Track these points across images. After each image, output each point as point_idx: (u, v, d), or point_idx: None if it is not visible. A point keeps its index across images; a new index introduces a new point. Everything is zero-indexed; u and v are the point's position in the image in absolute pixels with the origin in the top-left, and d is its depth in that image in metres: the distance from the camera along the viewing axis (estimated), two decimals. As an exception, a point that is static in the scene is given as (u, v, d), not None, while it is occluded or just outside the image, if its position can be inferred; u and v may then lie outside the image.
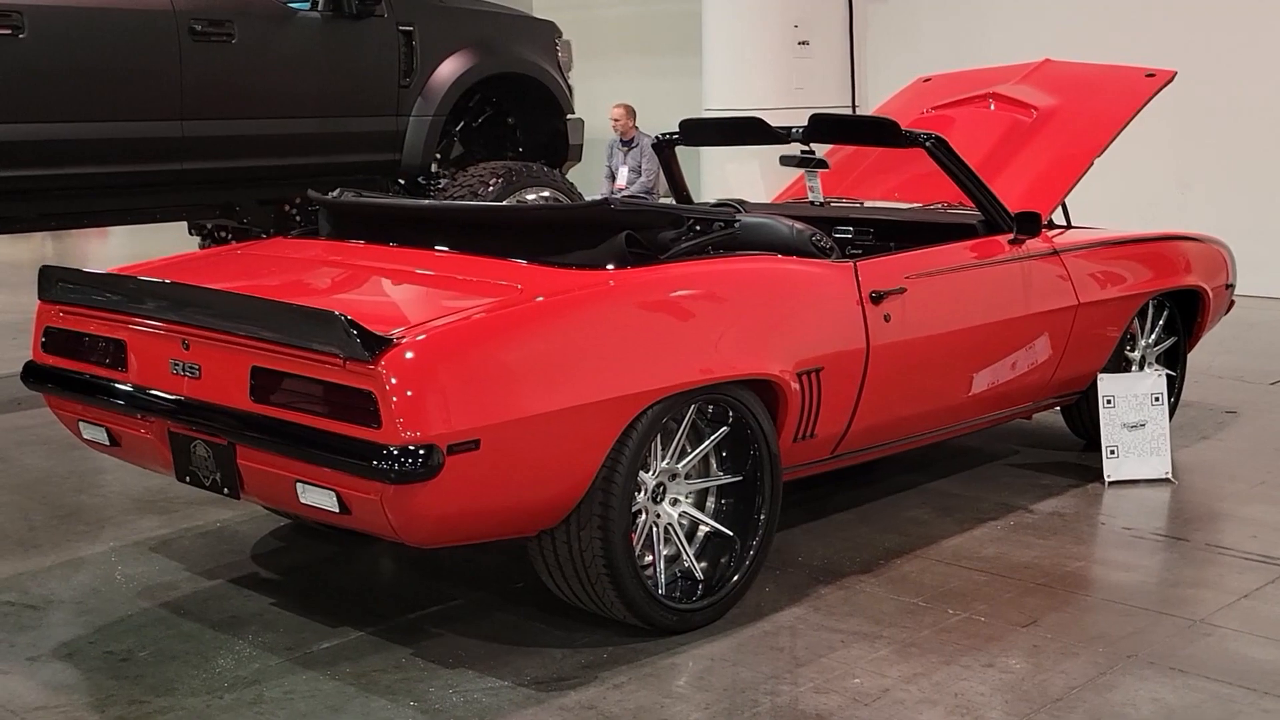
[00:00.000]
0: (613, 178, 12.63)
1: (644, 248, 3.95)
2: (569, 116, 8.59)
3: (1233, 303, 6.39)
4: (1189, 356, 6.21)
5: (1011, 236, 5.10)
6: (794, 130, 5.37)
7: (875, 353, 4.39)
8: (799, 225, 4.49)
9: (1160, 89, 6.15)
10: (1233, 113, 10.21)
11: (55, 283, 4.16)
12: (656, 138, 5.90)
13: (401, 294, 3.95)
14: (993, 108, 6.29)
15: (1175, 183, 10.42)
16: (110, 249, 14.33)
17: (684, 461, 3.94)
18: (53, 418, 4.39)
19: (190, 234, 8.51)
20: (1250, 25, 10.15)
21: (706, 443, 3.97)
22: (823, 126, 5.29)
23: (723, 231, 4.17)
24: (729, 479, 4.06)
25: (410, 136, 7.81)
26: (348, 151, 7.71)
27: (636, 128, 12.43)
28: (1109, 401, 5.40)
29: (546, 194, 8.03)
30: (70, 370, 4.13)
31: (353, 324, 3.26)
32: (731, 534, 4.05)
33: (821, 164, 5.51)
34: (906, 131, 5.04)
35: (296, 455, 3.46)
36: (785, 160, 5.61)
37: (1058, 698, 3.50)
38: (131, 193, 7.05)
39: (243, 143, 7.21)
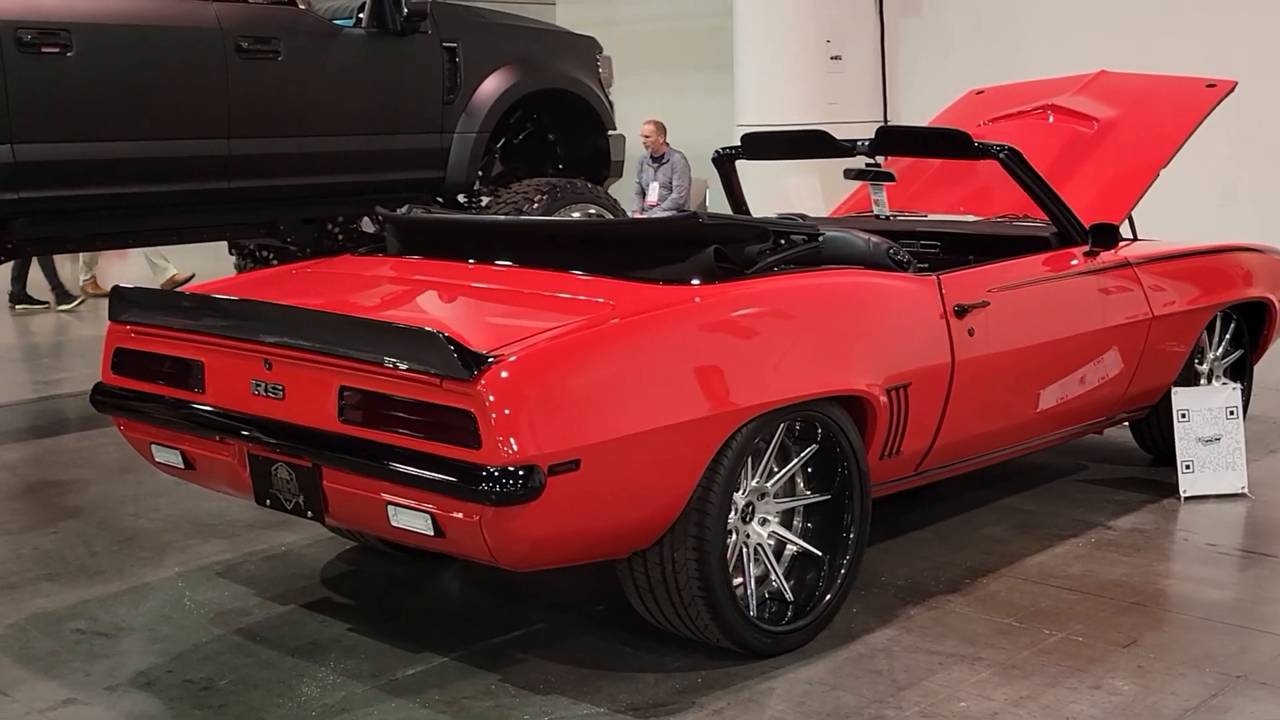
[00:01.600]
0: (643, 194, 12.56)
1: (730, 262, 3.87)
2: (611, 132, 8.52)
3: None
4: (1254, 369, 6.11)
5: (1086, 249, 5.02)
6: (860, 143, 5.29)
7: (960, 367, 4.30)
8: (874, 239, 4.40)
9: (1222, 99, 6.08)
10: (1273, 121, 10.14)
11: (128, 303, 4.08)
12: (717, 151, 5.82)
13: (490, 312, 3.86)
14: (1051, 120, 6.21)
15: (1217, 192, 10.33)
16: (130, 271, 14.27)
17: (773, 480, 3.85)
18: (105, 439, 4.31)
19: (230, 253, 8.44)
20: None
21: (795, 460, 3.88)
22: (891, 138, 5.22)
23: (807, 245, 4.09)
24: (817, 498, 3.96)
25: (454, 154, 7.73)
26: (392, 169, 7.63)
27: (667, 144, 12.37)
28: (1184, 416, 5.31)
29: (591, 210, 7.96)
30: (143, 392, 4.05)
31: (452, 342, 3.18)
32: (819, 553, 3.95)
33: (888, 176, 5.43)
34: (979, 143, 4.96)
35: (389, 477, 3.37)
36: (850, 173, 5.54)
37: (1172, 719, 3.40)
38: (177, 212, 6.97)
39: (288, 161, 7.13)
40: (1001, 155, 4.90)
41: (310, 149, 7.31)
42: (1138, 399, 5.36)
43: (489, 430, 3.17)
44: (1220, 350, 5.82)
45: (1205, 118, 5.98)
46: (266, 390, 3.65)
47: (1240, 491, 5.26)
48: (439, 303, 3.95)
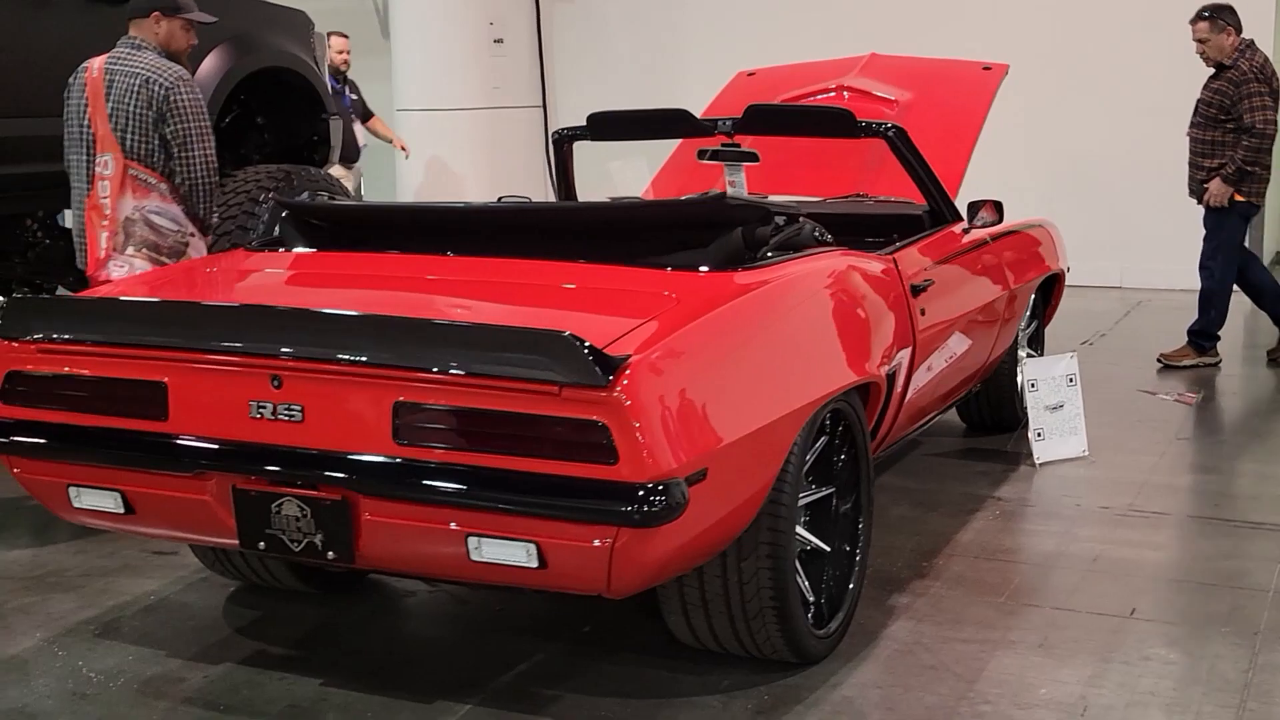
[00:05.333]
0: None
1: (746, 245, 3.60)
2: (330, 115, 7.87)
3: None
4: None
5: (964, 225, 5.07)
6: (722, 122, 5.10)
7: (918, 346, 4.23)
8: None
9: (1001, 81, 6.32)
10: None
11: (32, 315, 3.32)
12: (557, 132, 5.46)
13: (537, 312, 3.35)
14: (848, 99, 6.25)
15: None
16: None
17: (799, 476, 3.62)
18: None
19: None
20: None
21: (810, 454, 3.66)
22: (762, 117, 5.05)
23: (796, 227, 3.88)
24: (824, 490, 3.77)
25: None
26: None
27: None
28: (1033, 385, 5.48)
29: (325, 197, 7.34)
30: (58, 424, 3.30)
31: (585, 343, 2.75)
32: (829, 548, 3.76)
33: (750, 156, 5.25)
34: (864, 122, 4.89)
35: (479, 505, 2.89)
36: (705, 154, 5.33)
37: (1243, 683, 3.45)
38: None
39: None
40: (890, 134, 4.85)
41: (8, 132, 6.30)
42: (988, 369, 5.49)
43: (629, 443, 2.77)
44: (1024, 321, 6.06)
45: (993, 99, 6.20)
46: (275, 413, 3.04)
47: (1083, 455, 5.49)
48: (460, 301, 3.43)
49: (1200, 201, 7.26)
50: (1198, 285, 7.41)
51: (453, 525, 2.94)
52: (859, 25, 10.51)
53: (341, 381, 2.99)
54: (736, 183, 5.35)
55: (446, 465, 2.91)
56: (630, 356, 2.81)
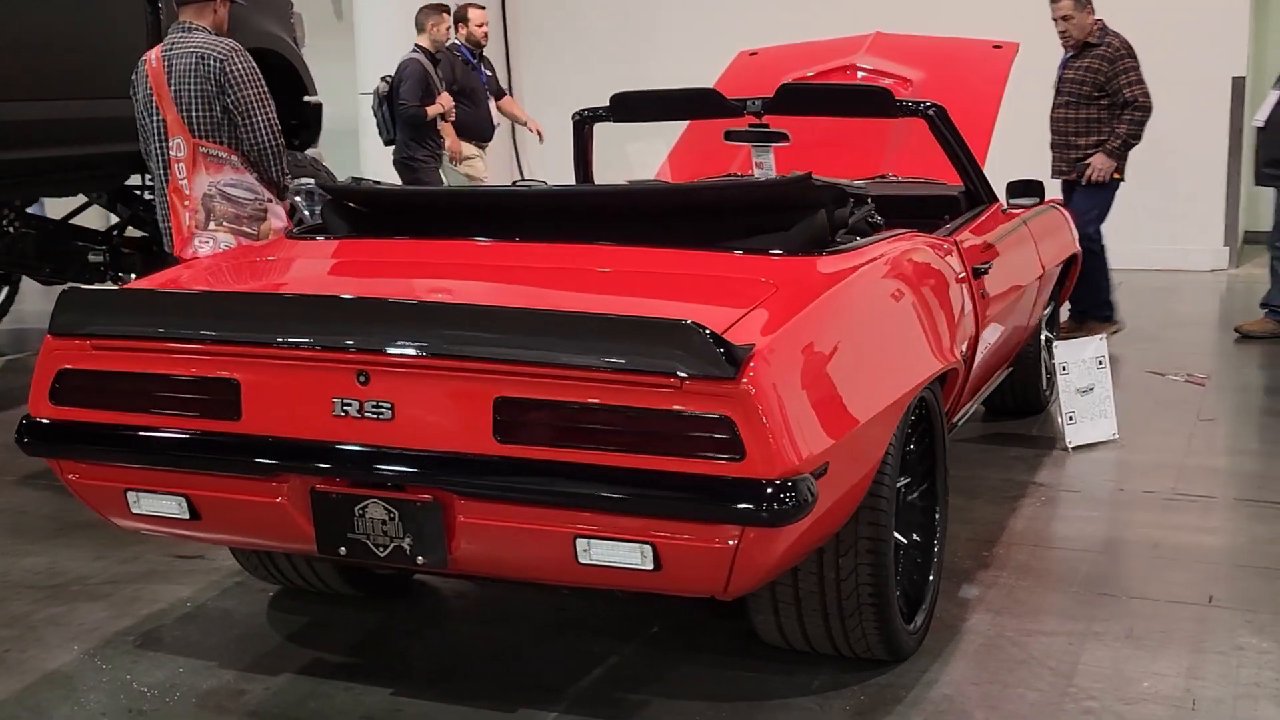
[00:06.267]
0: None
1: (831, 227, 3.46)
2: (312, 97, 7.64)
3: None
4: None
5: (1002, 206, 4.97)
6: (751, 102, 4.96)
7: (980, 330, 4.12)
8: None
9: (1013, 60, 6.24)
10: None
11: (86, 309, 3.10)
12: (579, 113, 5.28)
13: (631, 301, 3.15)
14: (861, 78, 6.13)
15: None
16: None
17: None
18: None
19: None
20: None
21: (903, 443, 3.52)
22: (796, 97, 4.91)
23: (868, 208, 3.75)
24: (908, 481, 3.64)
25: (164, 122, 6.62)
26: (90, 142, 6.44)
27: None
28: (1064, 368, 5.40)
29: (310, 182, 7.10)
30: (116, 424, 3.09)
31: (713, 334, 2.60)
32: (906, 542, 3.64)
33: (781, 137, 5.10)
34: (902, 101, 4.77)
35: (592, 505, 2.73)
36: (733, 135, 5.17)
37: (1348, 670, 3.38)
38: None
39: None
40: (930, 112, 4.73)
41: (-15, 119, 6.04)
42: (1018, 351, 5.40)
43: (758, 438, 2.61)
44: (1043, 303, 5.99)
45: (1008, 78, 6.11)
46: (362, 410, 2.86)
47: (1113, 438, 5.42)
48: (546, 290, 3.25)
49: (1080, 179, 7.25)
50: (1172, 265, 7.45)
51: (559, 527, 2.77)
52: (829, 6, 10.41)
53: (436, 376, 2.81)
54: (765, 164, 5.21)
55: (554, 463, 2.74)
56: (754, 346, 2.66)
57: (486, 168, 9.49)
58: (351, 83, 11.13)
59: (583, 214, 3.66)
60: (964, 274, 4.03)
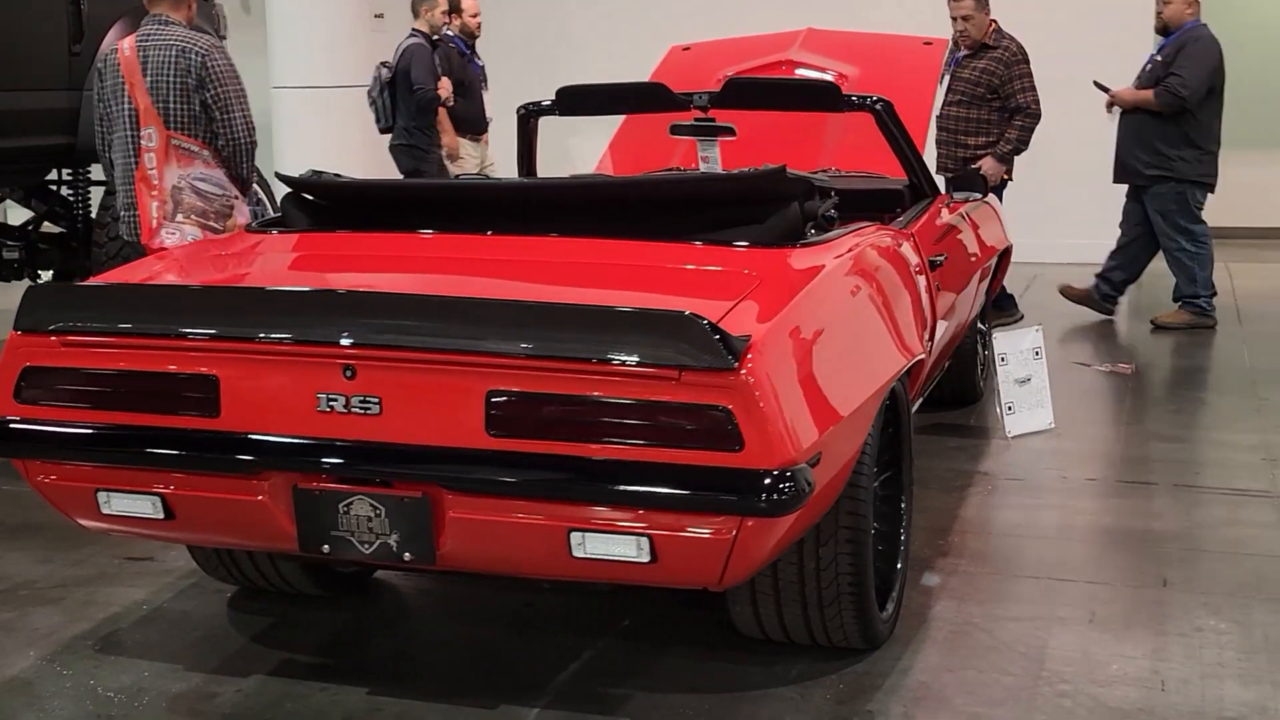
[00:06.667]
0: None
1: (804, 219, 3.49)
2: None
3: None
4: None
5: (948, 199, 5.03)
6: (698, 96, 4.97)
7: (935, 322, 4.17)
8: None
9: (944, 57, 6.33)
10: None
11: (54, 305, 3.02)
12: (524, 107, 5.25)
13: (614, 294, 3.13)
14: (799, 74, 6.17)
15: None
16: None
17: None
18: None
19: None
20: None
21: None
22: (741, 91, 4.92)
23: (832, 200, 3.78)
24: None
25: (86, 115, 6.45)
26: (8, 135, 6.26)
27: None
28: (1003, 359, 5.48)
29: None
30: (85, 423, 3.02)
31: (711, 325, 2.60)
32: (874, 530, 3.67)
33: (727, 130, 5.12)
34: (850, 96, 4.80)
35: (586, 498, 2.72)
36: (679, 129, 5.17)
37: (1321, 650, 3.47)
38: None
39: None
40: (877, 107, 4.77)
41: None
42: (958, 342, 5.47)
43: (756, 428, 2.63)
44: (974, 295, 6.08)
45: (940, 74, 6.21)
46: (348, 406, 2.82)
47: (1050, 427, 5.52)
48: (526, 283, 3.22)
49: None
50: (1089, 258, 7.65)
51: (553, 521, 2.76)
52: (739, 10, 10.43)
53: (427, 370, 2.78)
54: (710, 158, 5.22)
55: (548, 457, 2.73)
56: (751, 338, 2.67)
57: (490, 159, 9.31)
58: (264, 77, 10.95)
59: (550, 206, 3.64)
60: (921, 266, 4.08)
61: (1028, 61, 7.28)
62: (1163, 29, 7.65)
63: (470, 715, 3.18)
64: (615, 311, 2.72)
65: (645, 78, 6.09)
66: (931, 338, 4.12)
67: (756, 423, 2.62)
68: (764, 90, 5.07)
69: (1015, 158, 7.32)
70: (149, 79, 4.93)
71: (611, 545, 2.75)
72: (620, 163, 5.86)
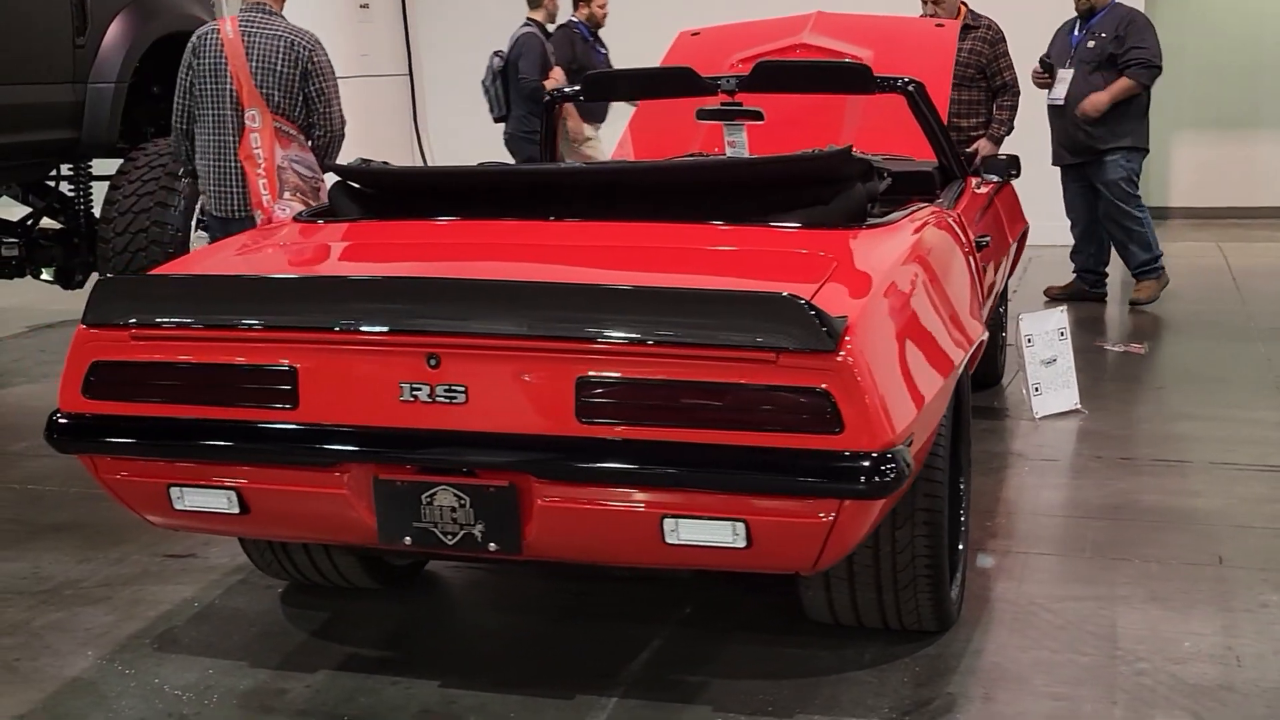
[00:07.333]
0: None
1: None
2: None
3: None
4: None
5: (978, 181, 5.03)
6: (726, 80, 4.94)
7: (984, 300, 4.16)
8: None
9: (956, 39, 6.32)
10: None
11: (124, 297, 2.97)
12: (550, 94, 5.21)
13: (696, 278, 3.06)
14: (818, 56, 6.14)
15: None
16: None
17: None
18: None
19: None
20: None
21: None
22: (772, 74, 4.89)
23: (888, 182, 3.76)
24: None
25: (91, 108, 6.39)
26: (12, 130, 6.16)
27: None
28: (1029, 340, 5.49)
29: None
30: (157, 418, 2.96)
31: (812, 306, 2.57)
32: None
33: (755, 115, 5.09)
34: (881, 78, 4.79)
35: (681, 484, 2.69)
36: (704, 114, 5.14)
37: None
38: None
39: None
40: (909, 88, 4.76)
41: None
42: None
43: (856, 410, 2.60)
44: (994, 277, 6.08)
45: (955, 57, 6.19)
46: (433, 395, 2.78)
47: (1076, 407, 5.53)
48: (603, 269, 3.18)
49: None
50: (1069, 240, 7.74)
51: (646, 508, 2.73)
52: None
53: (515, 357, 2.74)
54: (737, 143, 5.19)
55: (641, 443, 2.69)
56: (847, 319, 2.64)
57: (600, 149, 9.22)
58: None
59: (608, 191, 3.60)
60: (970, 246, 4.07)
61: (1005, 39, 7.31)
62: (1089, 10, 7.55)
63: (548, 706, 3.15)
64: (711, 294, 2.70)
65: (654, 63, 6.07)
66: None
67: (857, 405, 2.60)
68: (794, 73, 5.04)
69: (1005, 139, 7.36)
70: (254, 63, 5.17)
71: (706, 531, 2.72)
72: (642, 149, 5.82)
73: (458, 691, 3.22)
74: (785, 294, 2.58)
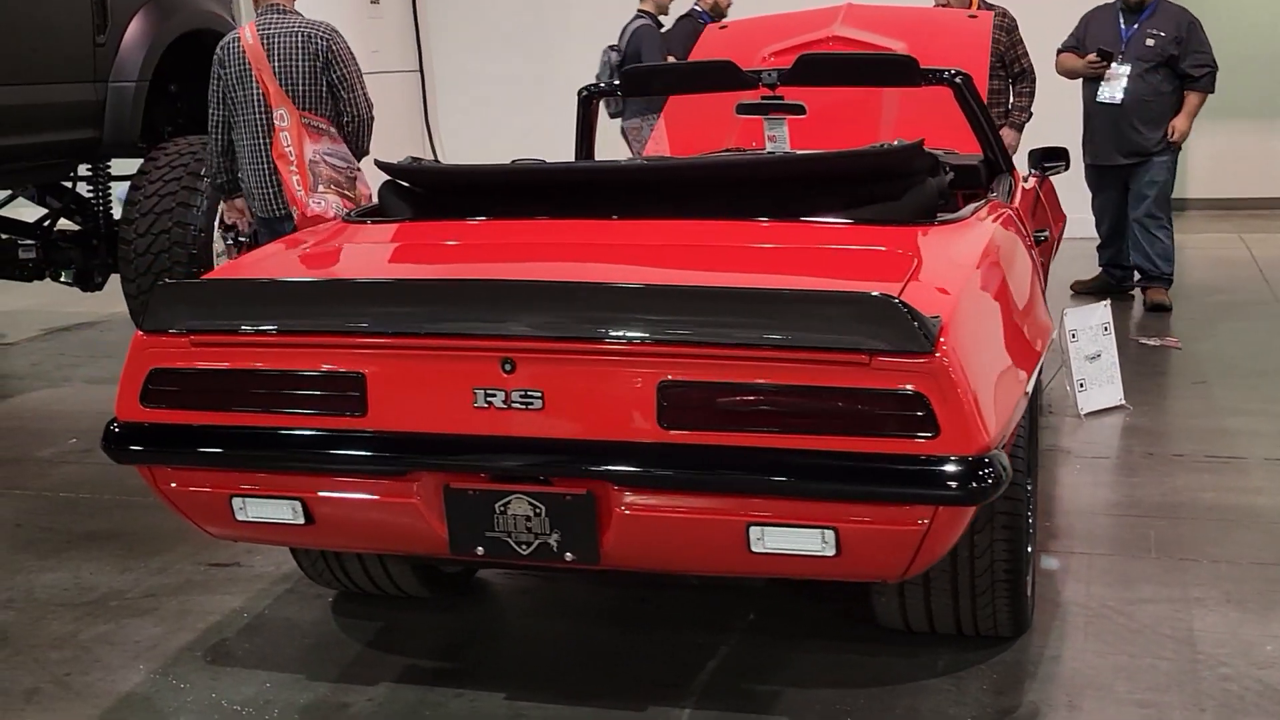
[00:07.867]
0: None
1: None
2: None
3: None
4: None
5: (1026, 174, 4.94)
6: (767, 74, 4.84)
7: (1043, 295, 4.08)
8: None
9: (991, 30, 6.23)
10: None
11: (185, 302, 2.87)
12: (586, 88, 5.11)
13: (773, 278, 2.98)
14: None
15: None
16: None
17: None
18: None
19: None
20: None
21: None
22: (814, 68, 4.80)
23: (951, 176, 3.67)
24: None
25: (112, 108, 6.29)
26: (31, 130, 6.06)
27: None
28: (1074, 336, 5.40)
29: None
30: (226, 427, 2.87)
31: (910, 309, 2.48)
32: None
33: (797, 109, 5.00)
34: (927, 70, 4.69)
35: (771, 490, 2.60)
36: (744, 108, 5.05)
37: None
38: None
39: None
40: (956, 80, 4.67)
41: None
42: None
43: (952, 413, 2.51)
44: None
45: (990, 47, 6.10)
46: (508, 401, 2.69)
47: (1120, 403, 5.45)
48: (677, 269, 3.09)
49: None
50: (1091, 233, 7.64)
51: (731, 515, 2.64)
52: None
53: (593, 362, 2.65)
54: (778, 137, 5.10)
55: (727, 449, 2.61)
56: (941, 319, 2.56)
57: None
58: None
59: (666, 188, 3.51)
60: (1030, 241, 3.98)
61: (1019, 26, 7.27)
62: (1139, 3, 7.25)
63: (619, 718, 3.06)
64: (798, 294, 2.60)
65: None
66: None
67: (953, 408, 2.51)
68: (837, 66, 4.94)
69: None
70: (276, 64, 5.25)
71: (794, 539, 2.63)
72: (679, 145, 5.73)
73: (524, 704, 3.14)
74: (878, 294, 2.49)
